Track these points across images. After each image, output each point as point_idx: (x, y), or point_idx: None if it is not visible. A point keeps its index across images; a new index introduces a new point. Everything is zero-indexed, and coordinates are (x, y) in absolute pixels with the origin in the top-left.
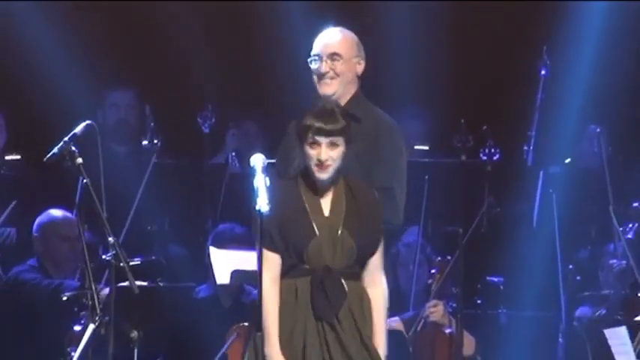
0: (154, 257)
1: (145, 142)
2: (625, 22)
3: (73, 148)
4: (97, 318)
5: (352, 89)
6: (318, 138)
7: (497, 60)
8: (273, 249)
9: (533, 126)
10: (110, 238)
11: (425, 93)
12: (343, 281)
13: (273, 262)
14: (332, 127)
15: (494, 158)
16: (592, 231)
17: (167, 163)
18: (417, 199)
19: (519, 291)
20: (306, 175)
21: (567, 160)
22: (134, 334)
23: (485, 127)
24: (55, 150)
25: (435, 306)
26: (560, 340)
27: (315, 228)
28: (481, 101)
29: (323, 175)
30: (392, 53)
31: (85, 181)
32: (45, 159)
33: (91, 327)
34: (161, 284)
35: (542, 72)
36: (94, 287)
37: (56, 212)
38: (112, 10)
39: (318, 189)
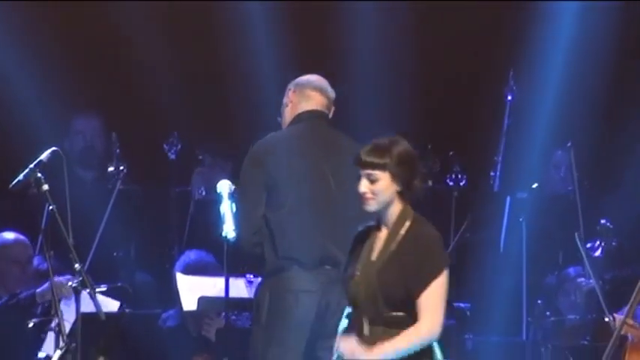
0: (119, 284)
1: (110, 169)
2: (590, 46)
3: (39, 175)
4: (63, 344)
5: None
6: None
7: (464, 85)
8: None
9: (499, 151)
10: (76, 265)
11: (390, 118)
12: (366, 325)
13: None
14: (371, 160)
15: (461, 184)
16: (559, 256)
17: (133, 189)
18: None
19: (486, 317)
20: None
21: (534, 186)
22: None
23: (451, 153)
24: (21, 177)
25: None
26: None
27: (357, 271)
28: (447, 127)
29: (367, 208)
30: (357, 79)
31: (51, 207)
32: (11, 186)
33: (58, 353)
34: (127, 311)
35: (509, 97)
36: (59, 314)
37: (8, 235)
38: (77, 35)
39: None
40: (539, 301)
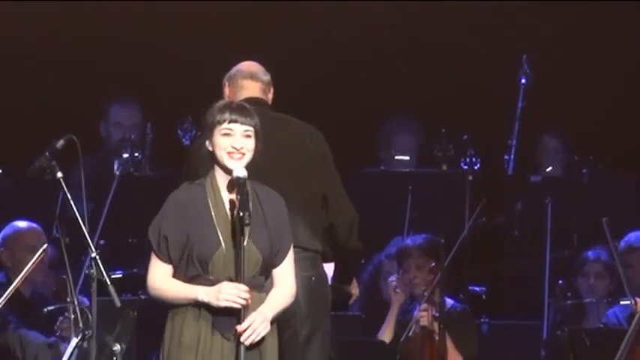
0: (135, 270)
1: (125, 155)
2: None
3: (54, 162)
4: (79, 332)
5: None
6: (232, 127)
7: (478, 68)
8: (166, 260)
9: (513, 135)
10: (93, 254)
11: (404, 103)
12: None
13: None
14: (245, 117)
15: (475, 167)
16: (574, 239)
17: (149, 175)
18: (401, 210)
19: (502, 300)
20: (212, 177)
21: (549, 169)
22: (116, 347)
23: (465, 137)
24: (35, 164)
25: (424, 310)
26: (542, 351)
27: (221, 237)
28: (461, 111)
29: (237, 165)
30: (371, 64)
31: (66, 194)
32: (26, 173)
33: (74, 341)
34: (142, 297)
35: (522, 80)
36: (76, 301)
37: (21, 223)
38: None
39: (222, 193)
40: (560, 282)
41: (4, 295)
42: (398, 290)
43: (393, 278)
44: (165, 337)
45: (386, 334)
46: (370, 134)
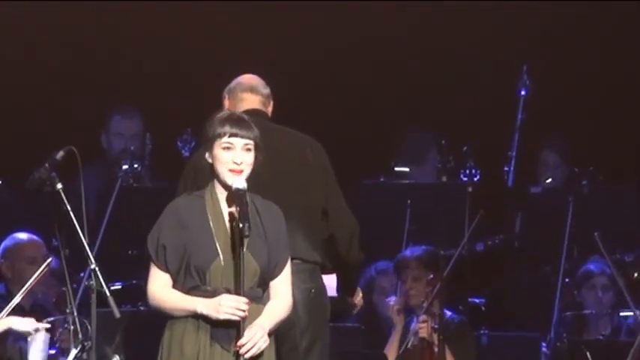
0: (134, 281)
1: (125, 167)
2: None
3: (53, 174)
4: (78, 343)
5: None
6: (233, 140)
7: (478, 80)
8: (165, 269)
9: (513, 146)
10: (92, 265)
11: (403, 114)
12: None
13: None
14: (245, 131)
15: (475, 179)
16: (574, 251)
17: (149, 187)
18: (400, 222)
19: (501, 312)
20: (212, 189)
21: (548, 180)
22: (116, 358)
23: (465, 148)
24: (35, 175)
25: (423, 322)
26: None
27: (219, 248)
28: (461, 122)
29: (237, 180)
30: (370, 76)
31: (66, 206)
32: (25, 184)
33: (73, 352)
34: (142, 308)
35: (522, 92)
36: (75, 312)
37: (21, 235)
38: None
39: (222, 205)
40: (566, 280)
41: (6, 309)
42: (398, 308)
43: (392, 298)
44: (163, 346)
45: (389, 355)
46: (369, 145)
